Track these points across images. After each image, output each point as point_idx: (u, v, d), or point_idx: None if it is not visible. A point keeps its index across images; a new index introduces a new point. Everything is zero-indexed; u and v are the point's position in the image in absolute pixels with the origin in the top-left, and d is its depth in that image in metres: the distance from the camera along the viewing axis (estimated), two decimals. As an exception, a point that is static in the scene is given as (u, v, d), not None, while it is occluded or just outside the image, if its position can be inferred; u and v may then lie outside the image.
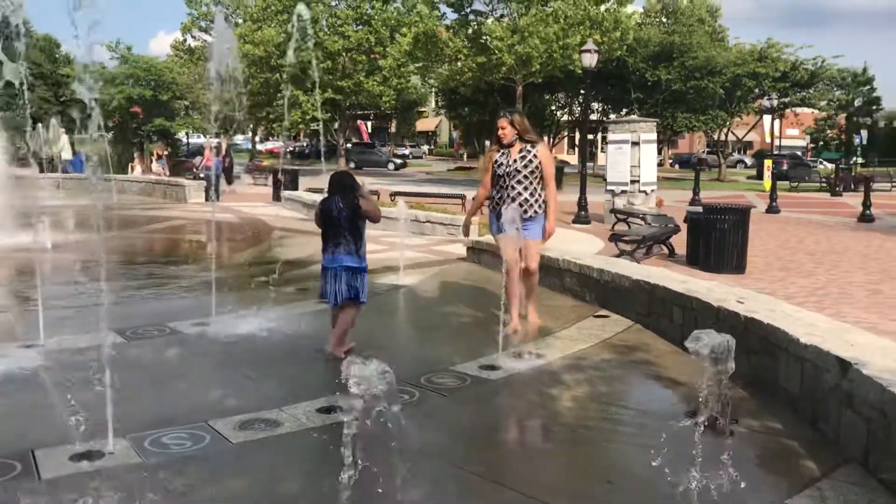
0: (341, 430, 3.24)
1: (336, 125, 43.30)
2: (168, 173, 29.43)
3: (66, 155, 27.16)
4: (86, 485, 3.66)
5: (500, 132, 6.75)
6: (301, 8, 8.17)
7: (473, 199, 7.60)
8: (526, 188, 6.64)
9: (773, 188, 23.97)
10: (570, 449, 4.39)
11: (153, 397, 5.09)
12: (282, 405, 4.85)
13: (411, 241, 12.16)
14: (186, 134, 53.65)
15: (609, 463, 4.14)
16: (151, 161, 31.39)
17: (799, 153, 57.21)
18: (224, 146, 31.48)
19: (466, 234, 7.73)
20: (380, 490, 3.69)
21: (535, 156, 6.65)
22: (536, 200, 6.69)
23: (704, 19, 49.84)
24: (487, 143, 64.02)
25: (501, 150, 6.77)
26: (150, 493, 3.65)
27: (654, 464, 4.10)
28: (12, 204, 12.25)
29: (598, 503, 3.63)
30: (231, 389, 5.24)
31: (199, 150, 52.59)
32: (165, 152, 32.40)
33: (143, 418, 4.63)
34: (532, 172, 6.63)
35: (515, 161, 6.65)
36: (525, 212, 6.56)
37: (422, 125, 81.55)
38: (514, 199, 6.62)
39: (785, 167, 41.08)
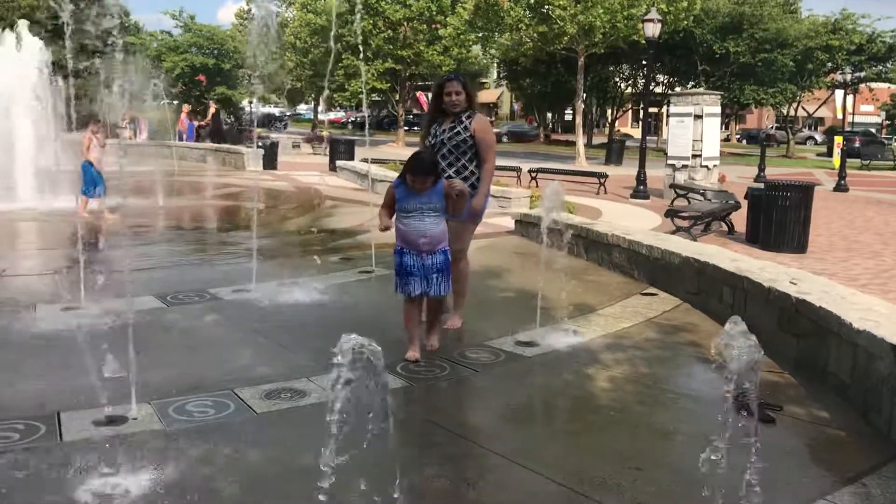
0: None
1: (396, 96, 43.16)
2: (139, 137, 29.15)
3: None
4: (104, 449, 3.64)
5: (449, 98, 5.80)
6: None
7: None
8: (451, 164, 5.80)
9: (843, 166, 23.09)
10: (600, 432, 4.22)
11: (183, 363, 5.07)
12: (311, 375, 4.79)
13: (461, 213, 12.00)
14: (249, 103, 54.22)
15: (640, 448, 3.95)
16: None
17: (873, 130, 55.07)
18: (212, 109, 31.69)
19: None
20: (398, 467, 3.59)
21: (465, 128, 5.78)
22: (466, 179, 5.78)
23: (777, -11, 48.05)
24: (549, 115, 63.19)
25: (437, 120, 5.95)
26: (166, 460, 3.61)
27: (687, 450, 3.92)
28: (73, 169, 12.45)
29: (623, 491, 3.45)
30: (262, 357, 5.20)
31: (265, 120, 53.23)
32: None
33: (170, 384, 4.61)
34: (457, 146, 5.78)
35: (444, 131, 5.85)
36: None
37: (483, 96, 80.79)
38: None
39: (857, 144, 39.49)
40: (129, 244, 9.46)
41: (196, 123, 30.54)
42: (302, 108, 76.39)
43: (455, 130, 5.79)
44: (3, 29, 15.30)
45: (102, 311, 6.03)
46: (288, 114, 70.21)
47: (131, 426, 4.01)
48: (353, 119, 66.15)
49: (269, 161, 22.60)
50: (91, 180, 11.91)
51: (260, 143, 24.24)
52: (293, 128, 56.92)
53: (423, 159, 5.12)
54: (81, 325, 5.70)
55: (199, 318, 6.18)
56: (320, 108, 61.04)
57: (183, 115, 29.67)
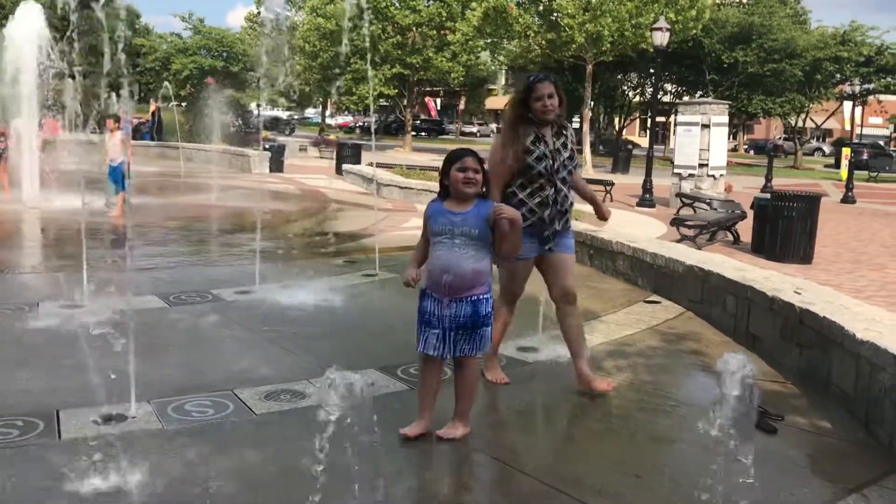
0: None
1: (404, 101, 43.21)
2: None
3: None
4: (102, 447, 3.63)
5: (542, 104, 4.53)
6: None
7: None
8: (570, 187, 4.72)
9: (850, 177, 23.05)
10: (601, 438, 4.20)
11: (184, 363, 5.06)
12: (311, 377, 4.77)
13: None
14: (258, 105, 54.36)
15: (640, 456, 3.93)
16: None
17: (881, 142, 54.90)
18: (153, 107, 31.81)
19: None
20: (399, 470, 3.58)
21: (572, 141, 4.72)
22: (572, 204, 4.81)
23: (786, 1, 48.07)
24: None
25: (530, 134, 4.57)
26: (163, 460, 3.60)
27: (687, 458, 3.90)
28: (76, 168, 12.49)
29: (621, 498, 3.43)
30: (263, 359, 5.19)
31: (272, 123, 53.29)
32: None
33: (171, 384, 4.61)
34: (576, 166, 4.74)
35: (559, 151, 4.59)
36: (568, 221, 4.74)
37: (491, 103, 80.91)
38: (561, 206, 4.61)
39: (865, 156, 39.43)
40: (132, 244, 9.46)
41: (132, 121, 30.65)
42: (310, 111, 76.54)
43: (569, 147, 4.67)
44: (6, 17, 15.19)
45: (105, 309, 6.03)
46: (296, 117, 70.34)
47: (130, 425, 4.00)
48: (360, 123, 66.27)
49: (276, 164, 22.64)
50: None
51: (266, 146, 24.30)
52: (301, 131, 57.00)
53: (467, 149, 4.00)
54: (83, 323, 5.70)
55: (201, 319, 6.17)
56: (328, 112, 61.15)
57: (122, 114, 29.77)
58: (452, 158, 3.89)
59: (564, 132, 4.67)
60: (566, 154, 4.61)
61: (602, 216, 5.16)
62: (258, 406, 4.33)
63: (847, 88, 43.26)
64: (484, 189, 3.88)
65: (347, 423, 2.87)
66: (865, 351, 4.21)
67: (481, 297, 3.83)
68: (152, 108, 32.06)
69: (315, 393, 4.50)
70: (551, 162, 4.54)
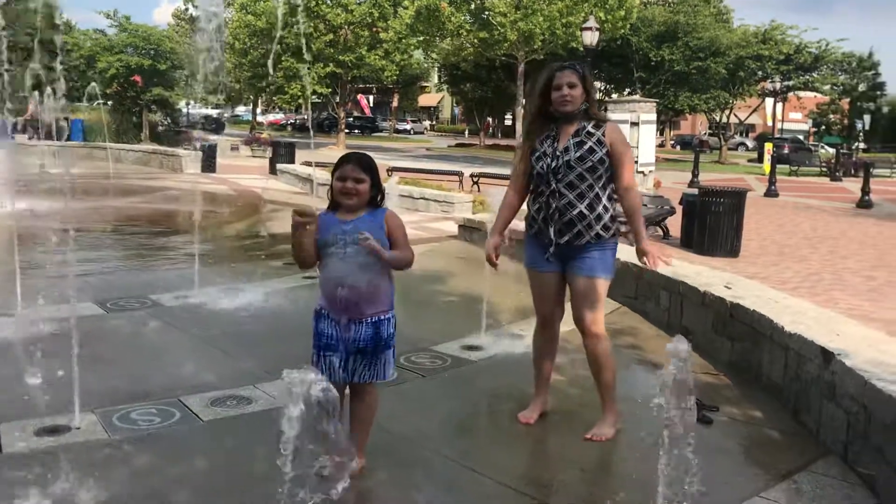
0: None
1: (337, 99, 42.96)
2: None
3: None
4: (48, 460, 3.59)
5: (560, 95, 4.04)
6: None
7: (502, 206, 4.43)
8: (582, 195, 4.05)
9: (773, 172, 23.77)
10: (545, 435, 4.31)
11: (127, 371, 5.01)
12: (257, 382, 4.78)
13: (403, 218, 12.02)
14: (187, 104, 53.30)
15: (583, 450, 4.05)
16: None
17: (801, 137, 56.86)
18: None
19: (492, 263, 4.37)
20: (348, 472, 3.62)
21: (598, 141, 4.03)
22: (600, 216, 4.10)
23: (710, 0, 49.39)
24: (490, 119, 63.52)
25: (545, 132, 4.16)
26: (111, 470, 3.58)
27: (627, 451, 4.04)
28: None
29: (567, 492, 3.55)
30: (207, 365, 5.16)
31: (201, 121, 52.27)
32: None
33: (114, 393, 4.56)
34: (592, 169, 4.02)
35: (568, 149, 4.04)
36: (579, 235, 4.09)
37: (424, 100, 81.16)
38: (561, 214, 4.05)
39: (786, 151, 40.78)
40: (63, 249, 9.24)
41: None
42: (240, 109, 75.48)
43: (586, 146, 4.04)
44: None
45: (40, 317, 5.90)
46: (226, 115, 69.24)
47: (74, 436, 3.95)
48: (292, 121, 65.62)
49: (208, 164, 22.29)
50: None
51: (199, 146, 23.90)
52: (231, 130, 56.15)
53: (356, 153, 3.62)
54: (18, 332, 5.57)
55: (142, 325, 6.10)
56: (259, 110, 60.40)
57: (30, 106, 28.17)
58: (336, 165, 3.52)
59: (592, 130, 4.06)
60: (575, 154, 4.01)
61: (641, 251, 4.24)
62: (205, 413, 4.33)
63: (768, 85, 44.83)
64: (380, 198, 3.52)
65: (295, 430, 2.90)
66: (794, 343, 4.43)
67: (383, 317, 3.50)
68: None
69: (262, 398, 4.52)
70: (550, 161, 4.05)
